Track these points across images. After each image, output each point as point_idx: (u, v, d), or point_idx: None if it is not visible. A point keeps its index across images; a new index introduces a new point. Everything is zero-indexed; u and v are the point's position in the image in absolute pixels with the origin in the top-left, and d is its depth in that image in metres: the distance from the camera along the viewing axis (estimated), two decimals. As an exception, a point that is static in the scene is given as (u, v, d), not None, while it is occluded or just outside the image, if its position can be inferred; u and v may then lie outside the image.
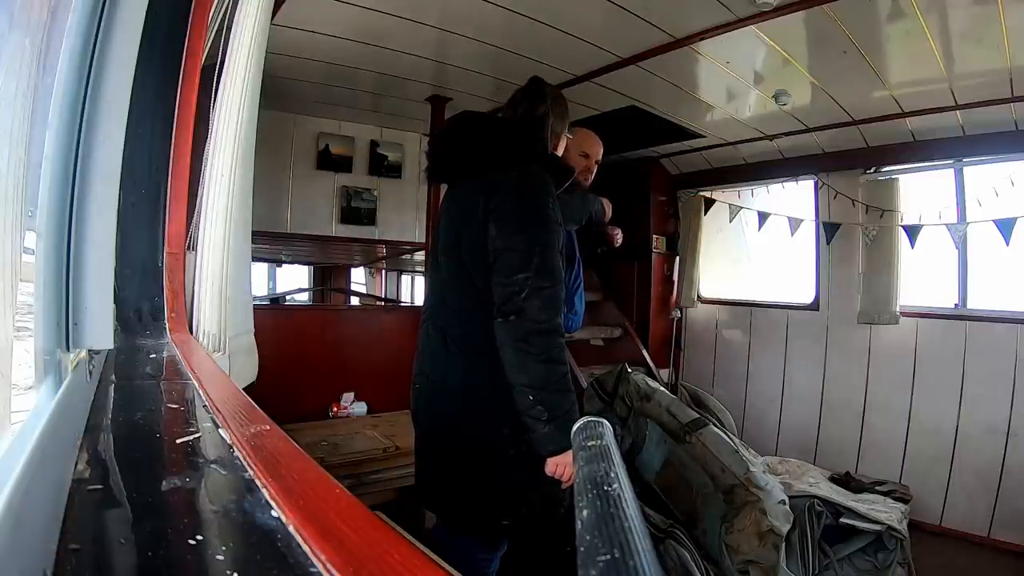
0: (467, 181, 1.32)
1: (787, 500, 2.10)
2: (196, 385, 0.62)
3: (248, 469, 0.40)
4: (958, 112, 2.56)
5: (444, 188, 1.44)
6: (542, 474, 1.20)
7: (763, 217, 3.56)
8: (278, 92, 2.91)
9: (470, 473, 1.30)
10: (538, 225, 1.20)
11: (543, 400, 1.14)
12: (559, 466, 1.18)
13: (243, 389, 0.64)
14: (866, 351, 3.15)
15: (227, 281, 0.98)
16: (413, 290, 9.54)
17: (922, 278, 3.10)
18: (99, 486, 0.38)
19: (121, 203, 0.77)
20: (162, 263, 0.88)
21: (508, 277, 1.17)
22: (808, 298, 3.46)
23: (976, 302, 2.86)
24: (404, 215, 3.76)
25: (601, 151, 1.64)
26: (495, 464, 1.27)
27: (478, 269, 1.23)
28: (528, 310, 1.15)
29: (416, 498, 1.54)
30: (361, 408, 2.72)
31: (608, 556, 0.26)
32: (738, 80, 2.54)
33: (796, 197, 3.54)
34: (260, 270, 7.54)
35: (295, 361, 2.60)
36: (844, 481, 2.66)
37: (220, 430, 0.48)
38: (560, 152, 1.40)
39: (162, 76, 0.87)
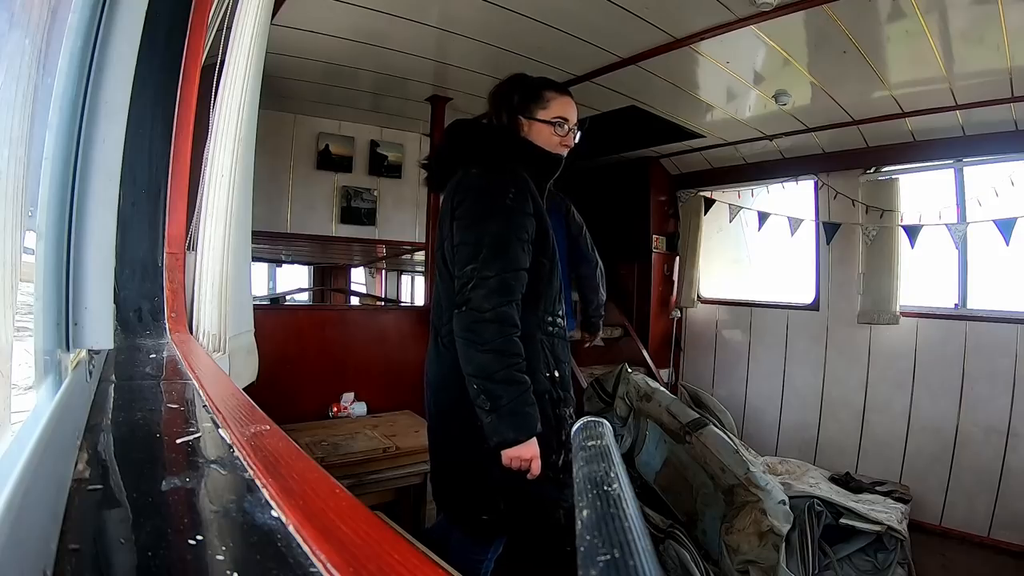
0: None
1: (787, 500, 2.10)
2: (196, 385, 0.62)
3: (248, 469, 0.40)
4: (958, 112, 2.57)
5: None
6: (518, 473, 1.21)
7: (763, 217, 3.56)
8: (278, 92, 2.91)
9: (452, 465, 1.35)
10: (490, 217, 1.21)
11: (486, 390, 1.15)
12: (512, 460, 1.18)
13: (243, 389, 0.64)
14: (866, 351, 3.15)
15: (227, 281, 0.98)
16: (413, 290, 9.53)
17: (922, 278, 3.11)
18: (99, 486, 0.38)
19: (121, 203, 0.77)
20: (162, 263, 0.88)
21: (460, 270, 1.20)
22: (808, 298, 3.46)
23: (976, 302, 2.86)
24: (404, 215, 3.76)
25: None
26: (471, 458, 1.28)
27: (452, 267, 1.27)
28: (473, 300, 1.16)
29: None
30: (361, 408, 2.72)
31: (608, 556, 0.26)
32: (738, 80, 2.54)
33: (796, 197, 3.54)
34: (260, 270, 7.53)
35: (295, 361, 2.60)
36: (844, 481, 2.66)
37: (220, 430, 0.48)
38: (541, 128, 1.36)
39: (162, 76, 0.87)
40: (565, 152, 1.39)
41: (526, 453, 1.17)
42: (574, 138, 1.39)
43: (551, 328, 1.32)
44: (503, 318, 1.17)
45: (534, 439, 1.18)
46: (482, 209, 1.22)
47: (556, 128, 1.35)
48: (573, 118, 1.38)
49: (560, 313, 1.36)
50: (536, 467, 1.19)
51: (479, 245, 1.19)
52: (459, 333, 1.18)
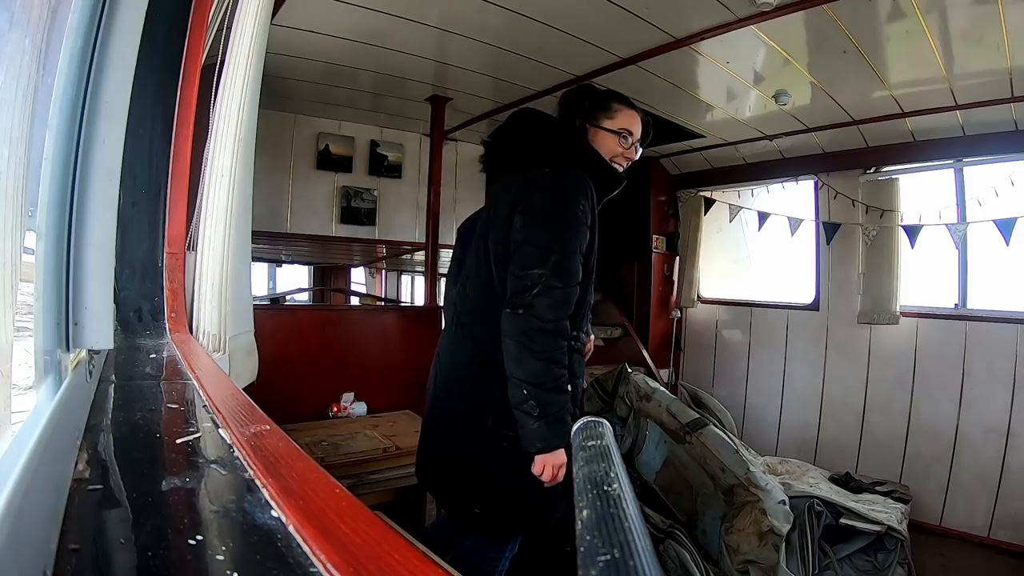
0: (507, 175, 1.33)
1: (787, 500, 2.10)
2: (196, 385, 0.62)
3: (248, 469, 0.40)
4: (958, 112, 2.57)
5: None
6: (519, 472, 1.21)
7: (763, 217, 3.56)
8: (278, 92, 2.91)
9: (454, 455, 1.33)
10: (562, 224, 1.20)
11: (536, 396, 1.15)
12: (547, 466, 1.18)
13: (243, 389, 0.64)
14: (866, 351, 3.15)
15: (227, 281, 0.98)
16: (413, 290, 9.54)
17: (922, 278, 3.11)
18: (99, 486, 0.38)
19: (121, 203, 0.76)
20: (162, 263, 0.88)
21: (523, 270, 1.18)
22: (808, 298, 3.46)
23: (976, 302, 2.86)
24: (404, 215, 3.76)
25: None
26: (473, 450, 1.29)
27: (498, 260, 1.25)
28: (537, 307, 1.15)
29: (418, 481, 1.57)
30: (361, 408, 2.71)
31: (608, 556, 0.26)
32: (738, 80, 2.54)
33: (796, 197, 3.54)
34: (260, 270, 7.54)
35: (295, 361, 2.59)
36: (844, 481, 2.66)
37: (220, 430, 0.48)
38: (606, 137, 1.36)
39: (162, 76, 0.87)
40: (625, 166, 1.39)
41: (559, 460, 1.19)
42: (636, 152, 1.39)
43: (573, 343, 1.30)
44: (561, 330, 1.18)
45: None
46: (555, 215, 1.20)
47: (620, 139, 1.35)
48: (638, 133, 1.38)
49: (585, 330, 1.35)
50: (562, 474, 1.20)
51: (549, 251, 1.17)
52: (512, 335, 1.17)
